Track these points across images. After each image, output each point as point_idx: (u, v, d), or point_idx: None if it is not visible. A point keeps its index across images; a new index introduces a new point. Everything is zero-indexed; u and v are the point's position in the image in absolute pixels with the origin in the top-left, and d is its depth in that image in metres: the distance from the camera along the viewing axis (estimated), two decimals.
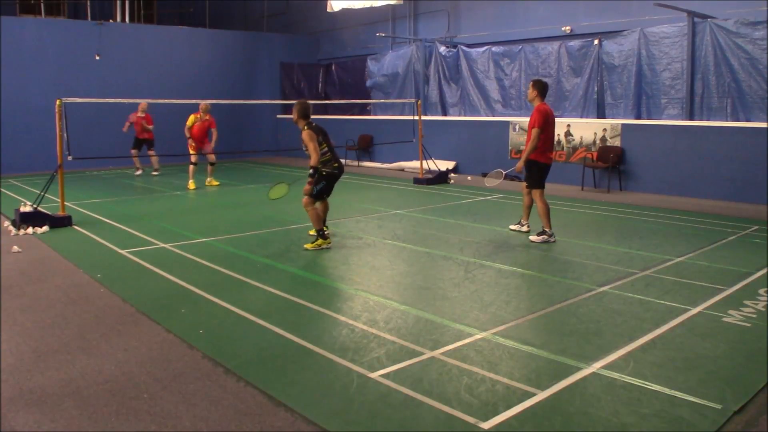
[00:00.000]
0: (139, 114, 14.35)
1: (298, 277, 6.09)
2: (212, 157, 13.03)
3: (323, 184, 7.27)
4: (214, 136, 12.80)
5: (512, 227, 8.26)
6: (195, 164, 12.68)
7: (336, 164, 7.38)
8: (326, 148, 7.28)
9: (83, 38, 16.63)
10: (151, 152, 14.79)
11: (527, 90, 8.01)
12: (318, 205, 7.35)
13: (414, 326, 4.74)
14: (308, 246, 7.25)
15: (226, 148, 18.72)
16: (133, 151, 14.71)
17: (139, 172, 14.95)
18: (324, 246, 7.23)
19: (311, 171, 7.04)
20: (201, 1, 21.69)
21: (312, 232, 7.51)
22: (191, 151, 12.61)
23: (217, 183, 13.31)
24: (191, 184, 12.62)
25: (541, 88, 7.68)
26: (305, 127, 7.18)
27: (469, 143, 15.18)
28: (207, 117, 12.59)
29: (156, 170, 15.06)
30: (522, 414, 3.37)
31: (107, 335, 4.57)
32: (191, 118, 12.49)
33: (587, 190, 12.30)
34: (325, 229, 7.40)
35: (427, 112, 16.46)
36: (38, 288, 5.76)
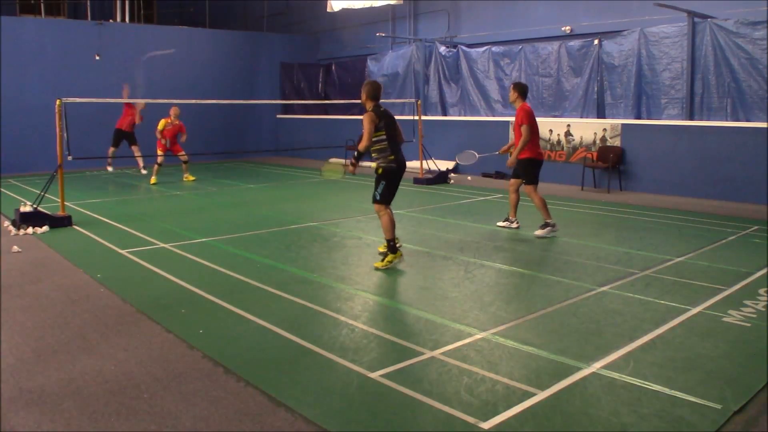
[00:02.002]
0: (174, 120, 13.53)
1: (298, 277, 6.09)
2: (185, 156, 13.73)
3: (383, 185, 6.37)
4: (184, 138, 13.55)
5: (500, 224, 8.52)
6: (160, 164, 13.48)
7: (392, 157, 6.36)
8: (384, 136, 6.31)
9: (83, 38, 16.63)
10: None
11: (508, 93, 8.25)
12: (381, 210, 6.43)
13: (414, 326, 4.73)
14: (378, 265, 6.34)
15: (226, 148, 18.77)
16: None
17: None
18: (395, 261, 6.34)
19: (355, 153, 6.28)
20: (201, 1, 21.68)
21: (381, 249, 6.70)
22: (159, 152, 13.28)
23: (194, 178, 13.95)
24: (153, 179, 13.40)
25: (522, 90, 8.13)
26: (370, 109, 6.36)
27: (469, 143, 15.11)
28: (177, 122, 13.31)
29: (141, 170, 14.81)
30: (522, 414, 3.37)
31: (107, 335, 4.57)
32: (162, 122, 13.12)
33: (587, 190, 12.30)
34: (396, 240, 6.47)
35: (427, 112, 16.46)
36: (38, 288, 5.76)
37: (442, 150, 15.06)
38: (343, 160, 6.56)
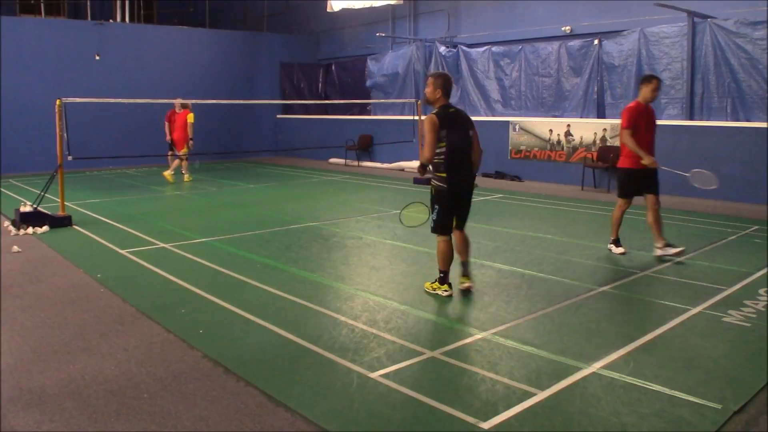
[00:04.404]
0: (178, 111, 13.76)
1: (298, 277, 6.09)
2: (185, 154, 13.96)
3: (437, 209, 5.27)
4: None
5: (663, 253, 6.78)
6: (186, 159, 13.84)
7: (445, 174, 5.18)
8: (444, 147, 5.14)
9: (83, 38, 16.63)
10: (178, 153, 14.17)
11: (652, 89, 6.74)
12: (453, 238, 5.40)
13: (414, 326, 4.73)
14: (427, 285, 5.56)
15: (226, 148, 18.77)
16: (171, 156, 14.21)
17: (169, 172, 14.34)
18: (441, 292, 5.38)
19: (419, 164, 5.32)
20: (201, 1, 21.68)
21: (428, 286, 5.58)
22: (188, 148, 13.46)
23: (191, 179, 14.01)
24: (189, 177, 13.65)
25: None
26: (436, 110, 5.26)
27: None
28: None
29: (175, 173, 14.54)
30: (522, 414, 3.37)
31: (107, 335, 4.57)
32: (191, 116, 13.30)
33: (587, 190, 12.29)
34: (462, 276, 5.44)
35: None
36: (38, 288, 5.76)
37: None
38: (422, 204, 5.62)
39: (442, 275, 5.46)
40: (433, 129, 5.13)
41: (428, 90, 5.32)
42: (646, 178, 6.77)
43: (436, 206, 5.29)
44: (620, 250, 6.97)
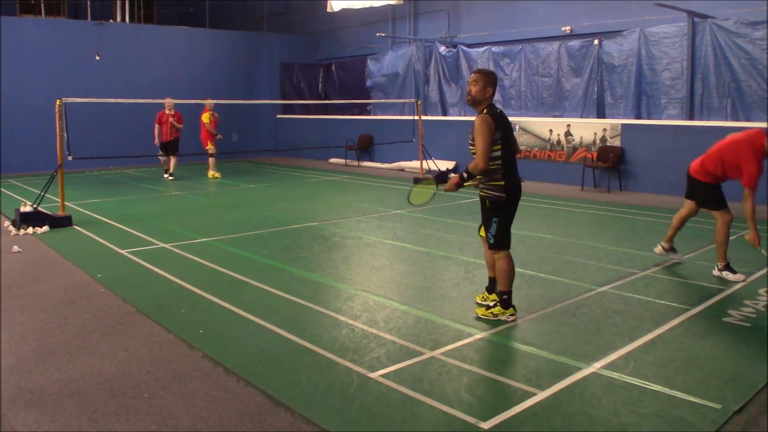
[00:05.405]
0: (168, 112, 13.81)
1: (298, 277, 6.09)
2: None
3: (496, 223, 4.71)
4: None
5: (661, 253, 6.70)
6: (213, 155, 14.33)
7: (503, 182, 4.66)
8: (499, 152, 4.62)
9: (83, 38, 16.64)
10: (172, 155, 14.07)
11: None
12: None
13: (414, 326, 4.73)
14: (480, 312, 4.92)
15: (226, 148, 18.75)
16: (163, 158, 14.25)
17: (167, 176, 14.23)
18: (504, 318, 4.81)
19: (465, 175, 4.68)
20: (201, 1, 21.69)
21: (480, 299, 5.14)
22: (211, 144, 14.12)
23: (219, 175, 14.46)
24: (217, 174, 14.26)
25: None
26: (485, 110, 4.62)
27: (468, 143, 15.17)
28: (216, 115, 14.43)
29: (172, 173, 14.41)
30: (522, 414, 3.37)
31: (107, 335, 4.57)
32: (207, 115, 13.85)
33: (587, 190, 12.29)
34: (490, 294, 5.04)
35: (427, 112, 16.46)
36: (38, 288, 5.76)
37: (442, 150, 15.06)
38: (433, 185, 5.26)
39: (506, 297, 4.83)
40: (490, 131, 4.52)
41: (476, 88, 4.62)
42: None
43: (495, 219, 4.71)
44: (739, 276, 5.95)
